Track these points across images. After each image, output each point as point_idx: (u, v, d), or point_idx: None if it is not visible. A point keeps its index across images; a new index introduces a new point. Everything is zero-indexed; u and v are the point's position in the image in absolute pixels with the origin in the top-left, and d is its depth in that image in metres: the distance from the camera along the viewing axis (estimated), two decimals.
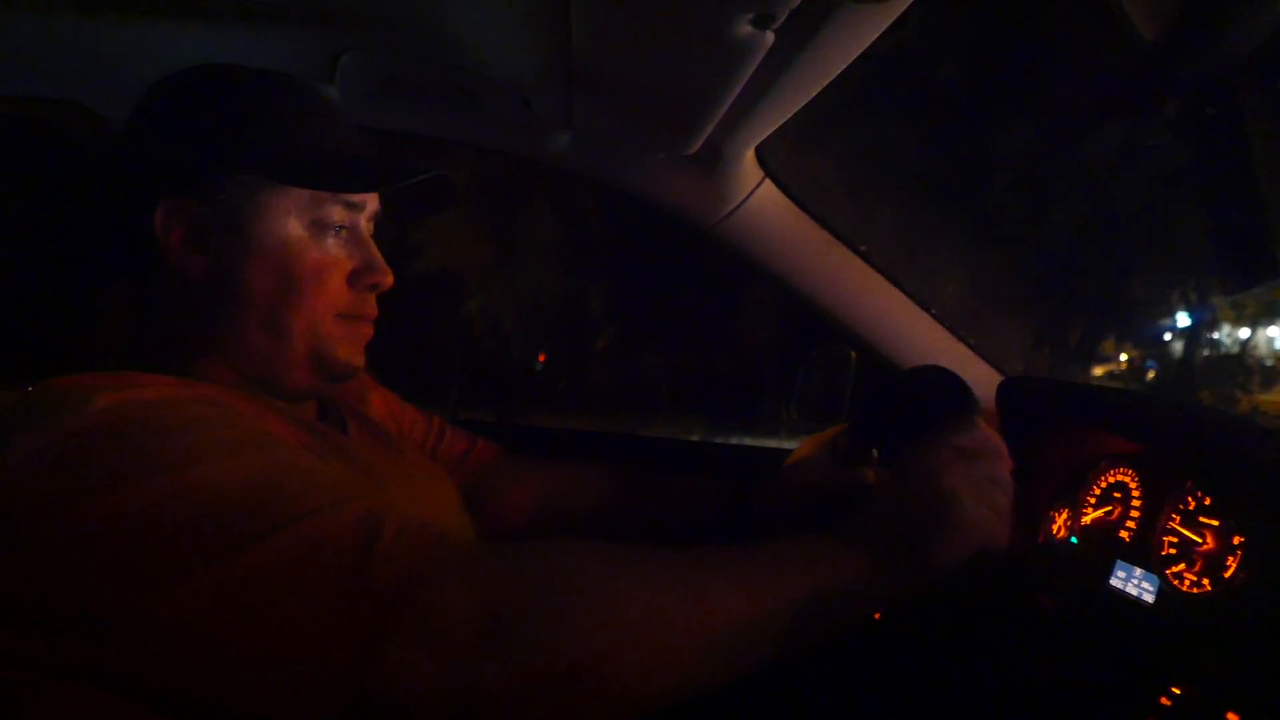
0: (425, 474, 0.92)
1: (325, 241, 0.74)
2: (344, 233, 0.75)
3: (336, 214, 0.74)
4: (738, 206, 1.15)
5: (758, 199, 1.15)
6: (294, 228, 0.72)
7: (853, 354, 1.22)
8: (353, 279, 0.76)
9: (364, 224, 0.78)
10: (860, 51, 0.76)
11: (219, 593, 0.51)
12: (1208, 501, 0.81)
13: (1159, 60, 0.48)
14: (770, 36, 0.70)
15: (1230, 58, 0.45)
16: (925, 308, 1.22)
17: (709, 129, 0.96)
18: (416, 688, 0.50)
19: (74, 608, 0.51)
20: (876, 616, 0.95)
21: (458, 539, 0.58)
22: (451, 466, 1.05)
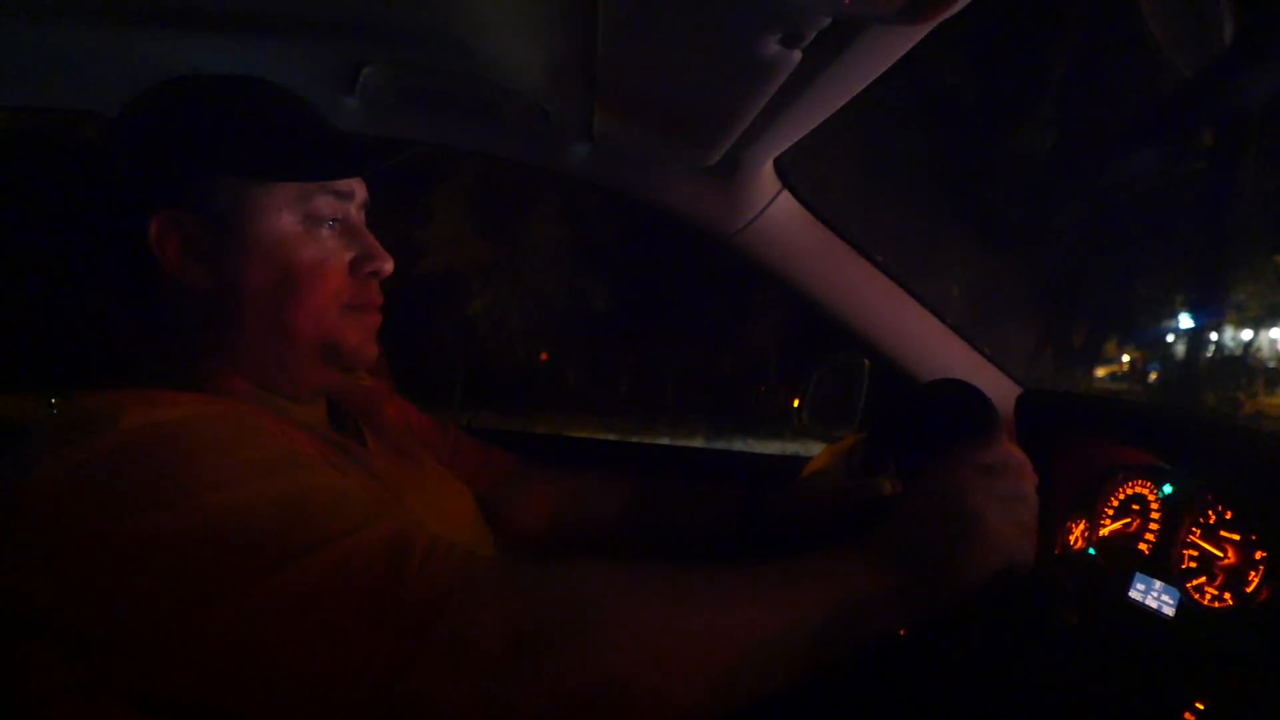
0: (443, 485, 0.92)
1: (320, 235, 0.74)
2: (337, 224, 0.76)
3: (326, 206, 0.74)
4: (756, 217, 1.15)
5: (776, 210, 1.15)
6: (287, 224, 0.72)
7: (867, 363, 1.22)
8: (353, 268, 0.76)
9: (355, 213, 0.78)
10: (885, 69, 0.76)
11: (250, 615, 0.51)
12: (1229, 515, 0.81)
13: (1195, 91, 0.48)
14: (798, 55, 0.71)
15: (1246, 102, 0.46)
16: (941, 318, 1.22)
17: (731, 142, 0.96)
18: (446, 707, 0.51)
19: (102, 628, 0.52)
20: (901, 632, 0.96)
21: (485, 557, 0.59)
22: (468, 476, 1.05)
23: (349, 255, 0.76)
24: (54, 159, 0.79)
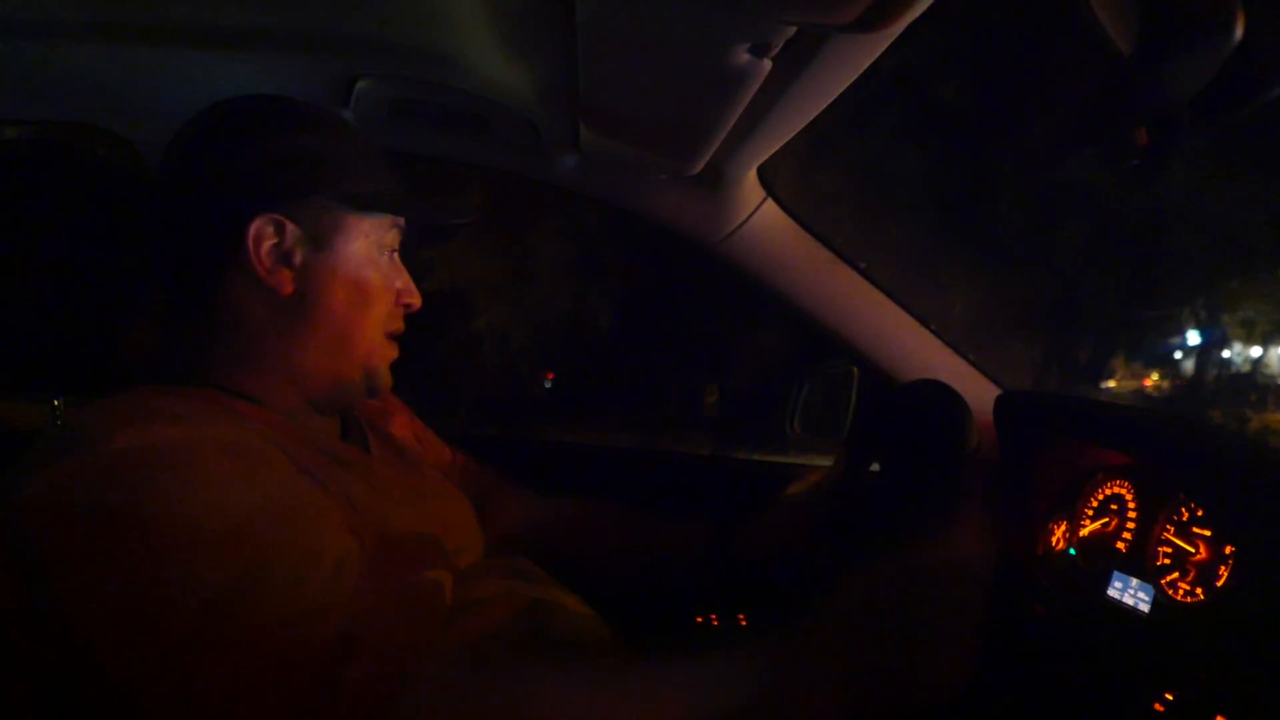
0: (442, 492, 0.94)
1: (383, 263, 0.79)
2: (394, 255, 0.81)
3: (392, 238, 0.80)
4: (740, 225, 1.18)
5: (760, 218, 1.18)
6: (368, 249, 0.78)
7: (855, 370, 1.24)
8: (396, 298, 0.81)
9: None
10: (855, 77, 0.78)
11: (185, 692, 0.52)
12: (1200, 512, 0.82)
13: (1127, 82, 0.50)
14: (768, 64, 0.73)
15: (1178, 91, 0.47)
16: (925, 324, 1.24)
17: (711, 151, 0.99)
18: None
19: (71, 646, 0.53)
20: None
21: (428, 656, 0.60)
22: (462, 488, 1.06)
23: (398, 285, 0.81)
24: (83, 165, 0.82)
